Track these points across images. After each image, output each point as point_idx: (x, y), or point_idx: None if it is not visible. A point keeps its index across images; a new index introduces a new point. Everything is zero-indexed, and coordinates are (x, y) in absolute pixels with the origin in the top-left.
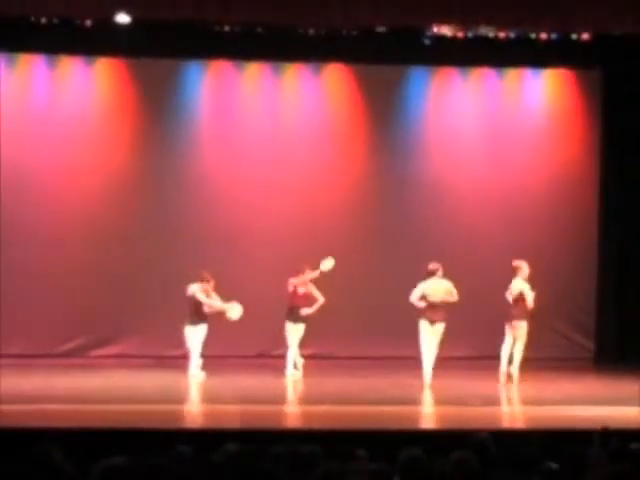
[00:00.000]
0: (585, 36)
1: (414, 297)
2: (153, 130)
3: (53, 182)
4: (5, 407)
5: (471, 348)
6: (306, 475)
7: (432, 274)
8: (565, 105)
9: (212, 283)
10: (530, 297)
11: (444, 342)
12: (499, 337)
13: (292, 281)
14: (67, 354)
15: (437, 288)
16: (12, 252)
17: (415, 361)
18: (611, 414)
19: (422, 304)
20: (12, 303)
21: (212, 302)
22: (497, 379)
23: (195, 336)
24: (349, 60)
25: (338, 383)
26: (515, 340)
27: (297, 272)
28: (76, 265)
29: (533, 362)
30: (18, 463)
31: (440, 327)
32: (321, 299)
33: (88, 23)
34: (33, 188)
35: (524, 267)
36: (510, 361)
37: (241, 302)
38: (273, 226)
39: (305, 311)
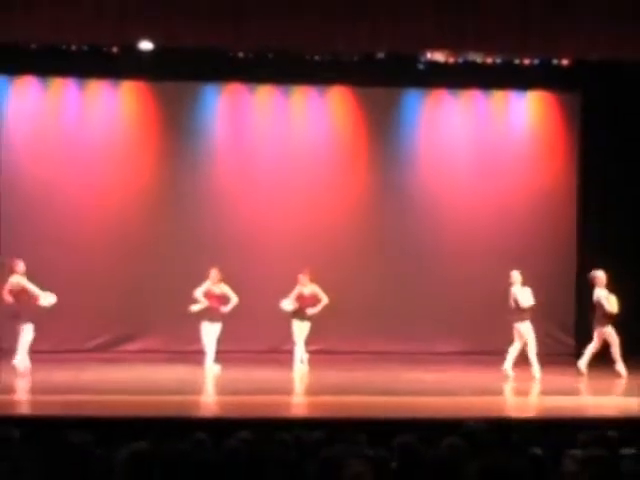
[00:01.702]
0: (565, 62)
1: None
2: (172, 147)
3: (82, 195)
4: (39, 397)
5: (468, 344)
6: (311, 459)
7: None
8: (547, 125)
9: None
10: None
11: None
12: (494, 334)
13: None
14: (95, 349)
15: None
16: (48, 262)
17: (410, 355)
18: (589, 404)
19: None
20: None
21: (31, 287)
22: (489, 372)
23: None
24: (351, 83)
25: (341, 376)
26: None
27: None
28: (105, 271)
29: (525, 358)
30: (50, 449)
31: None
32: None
33: (115, 50)
34: (64, 202)
35: (601, 276)
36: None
37: (254, 303)
38: (283, 235)
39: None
